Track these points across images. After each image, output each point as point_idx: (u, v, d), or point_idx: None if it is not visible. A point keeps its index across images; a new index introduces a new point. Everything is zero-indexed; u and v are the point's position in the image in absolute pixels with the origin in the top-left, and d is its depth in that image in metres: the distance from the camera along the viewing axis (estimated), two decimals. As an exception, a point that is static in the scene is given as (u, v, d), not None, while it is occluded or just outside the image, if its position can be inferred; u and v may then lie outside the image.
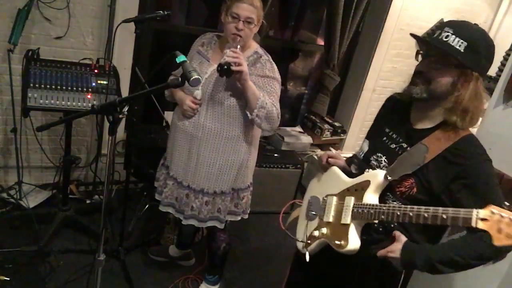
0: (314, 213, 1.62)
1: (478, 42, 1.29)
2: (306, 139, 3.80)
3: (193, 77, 1.41)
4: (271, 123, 1.93)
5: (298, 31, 3.96)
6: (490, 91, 3.17)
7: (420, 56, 1.36)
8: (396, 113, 1.52)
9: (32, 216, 2.62)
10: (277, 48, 3.78)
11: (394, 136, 1.48)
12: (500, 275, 1.99)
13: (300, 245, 1.62)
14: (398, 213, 1.29)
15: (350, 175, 1.58)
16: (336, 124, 4.04)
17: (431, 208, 1.22)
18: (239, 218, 2.19)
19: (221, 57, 2.00)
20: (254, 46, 2.02)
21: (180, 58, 1.50)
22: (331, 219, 1.51)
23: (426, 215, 1.22)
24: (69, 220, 2.68)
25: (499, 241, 1.09)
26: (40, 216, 2.67)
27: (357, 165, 1.60)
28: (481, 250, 1.26)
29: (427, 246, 1.37)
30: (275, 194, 3.33)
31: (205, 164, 2.02)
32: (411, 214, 1.26)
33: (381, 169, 1.46)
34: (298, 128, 3.98)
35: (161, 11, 2.13)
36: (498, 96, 2.07)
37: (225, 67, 1.74)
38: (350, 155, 1.74)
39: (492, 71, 3.79)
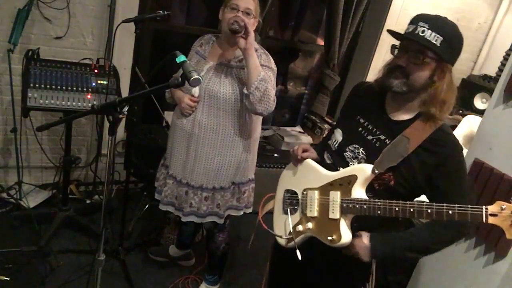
0: (293, 207, 1.61)
1: (452, 36, 1.34)
2: (306, 139, 3.80)
3: (193, 77, 1.41)
4: (266, 104, 1.88)
5: (298, 31, 3.96)
6: (490, 91, 3.17)
7: (396, 50, 1.40)
8: (369, 102, 1.53)
9: (32, 216, 2.63)
10: (277, 48, 3.78)
11: (370, 127, 1.49)
12: (500, 275, 1.99)
13: (282, 241, 1.61)
14: (397, 209, 1.31)
15: (323, 165, 1.58)
16: (336, 124, 4.04)
17: (434, 204, 1.25)
18: (241, 212, 2.19)
19: (218, 55, 2.01)
20: None
21: (180, 58, 1.49)
22: (316, 214, 1.51)
23: (429, 210, 1.25)
24: (69, 220, 2.68)
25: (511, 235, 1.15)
26: (40, 216, 2.67)
27: (331, 155, 1.59)
28: (444, 237, 1.40)
29: (392, 237, 1.44)
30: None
31: (203, 161, 2.03)
32: (411, 209, 1.28)
33: (358, 160, 1.48)
34: (298, 128, 3.98)
35: (161, 11, 2.13)
36: (498, 96, 2.06)
37: (237, 22, 1.78)
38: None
39: (492, 71, 3.81)
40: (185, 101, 1.98)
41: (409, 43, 1.35)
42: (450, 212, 1.21)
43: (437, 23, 1.32)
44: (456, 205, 1.21)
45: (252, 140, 2.11)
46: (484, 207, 1.17)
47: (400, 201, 1.32)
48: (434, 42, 1.30)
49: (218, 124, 1.98)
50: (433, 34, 1.30)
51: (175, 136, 2.09)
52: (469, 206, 1.19)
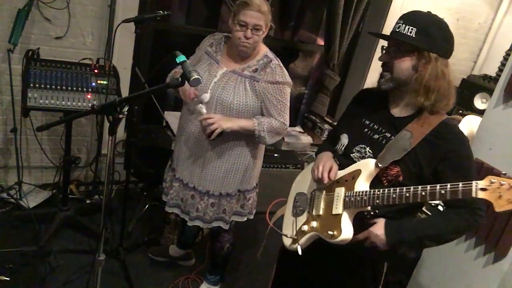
0: (301, 208, 1.62)
1: (427, 24, 1.38)
2: (306, 139, 3.80)
3: (193, 77, 1.41)
4: (277, 136, 1.99)
5: (298, 31, 3.96)
6: (490, 91, 3.17)
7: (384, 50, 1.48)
8: (373, 105, 1.57)
9: (32, 216, 2.62)
10: (277, 48, 3.77)
11: (376, 127, 1.53)
12: (500, 275, 2.00)
13: (288, 241, 1.62)
14: (394, 196, 1.34)
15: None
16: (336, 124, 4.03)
17: (428, 186, 1.28)
18: (245, 218, 2.20)
19: (231, 61, 1.98)
20: (264, 50, 2.01)
21: (180, 58, 1.49)
22: (321, 212, 1.53)
23: (423, 193, 1.28)
24: (69, 220, 2.67)
25: (500, 207, 1.15)
26: (40, 216, 2.67)
27: (338, 159, 1.60)
28: (459, 224, 1.40)
29: (411, 223, 1.45)
30: (275, 194, 3.28)
31: (210, 168, 2.02)
32: (407, 194, 1.32)
33: (366, 159, 1.50)
34: (298, 128, 3.98)
35: (161, 11, 2.13)
36: (498, 96, 2.06)
37: (211, 135, 1.85)
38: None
39: (492, 71, 3.81)
40: (190, 91, 1.89)
41: (389, 41, 1.45)
42: (443, 191, 1.24)
43: (409, 16, 1.40)
44: (448, 184, 1.23)
45: (259, 149, 2.12)
46: (474, 182, 1.19)
47: (397, 188, 1.34)
48: (409, 34, 1.37)
49: (229, 133, 1.95)
50: (407, 27, 1.38)
51: (182, 141, 2.07)
52: (460, 183, 1.21)
